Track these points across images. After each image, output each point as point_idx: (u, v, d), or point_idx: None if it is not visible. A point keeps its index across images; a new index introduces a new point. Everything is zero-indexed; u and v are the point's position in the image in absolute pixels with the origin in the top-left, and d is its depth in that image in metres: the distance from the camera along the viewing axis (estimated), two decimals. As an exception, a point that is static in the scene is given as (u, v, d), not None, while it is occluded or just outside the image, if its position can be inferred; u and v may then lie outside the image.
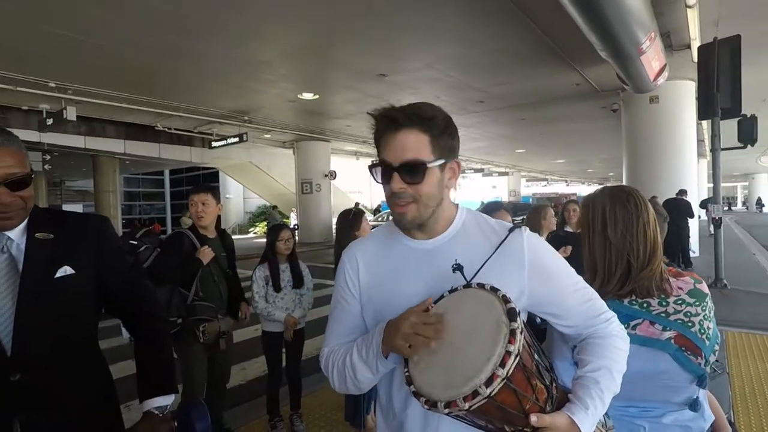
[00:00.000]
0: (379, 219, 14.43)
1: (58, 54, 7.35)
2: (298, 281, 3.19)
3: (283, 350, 3.19)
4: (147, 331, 1.33)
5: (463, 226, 1.08)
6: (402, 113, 0.98)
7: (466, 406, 0.78)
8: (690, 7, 5.66)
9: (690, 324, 1.19)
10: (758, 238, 15.03)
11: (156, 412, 1.21)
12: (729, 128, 4.97)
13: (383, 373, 1.01)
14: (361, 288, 1.09)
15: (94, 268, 1.25)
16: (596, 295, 1.09)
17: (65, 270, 1.19)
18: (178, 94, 10.21)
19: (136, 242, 2.50)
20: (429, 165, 0.98)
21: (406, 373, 0.90)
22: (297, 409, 3.18)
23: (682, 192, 8.60)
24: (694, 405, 1.25)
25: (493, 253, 1.01)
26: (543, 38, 7.11)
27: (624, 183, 10.62)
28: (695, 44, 6.38)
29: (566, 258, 1.12)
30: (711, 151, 4.91)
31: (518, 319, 0.84)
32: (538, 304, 1.01)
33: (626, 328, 1.15)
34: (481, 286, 0.93)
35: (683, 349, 1.17)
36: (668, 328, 1.18)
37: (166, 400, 1.24)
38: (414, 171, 0.98)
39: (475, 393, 0.78)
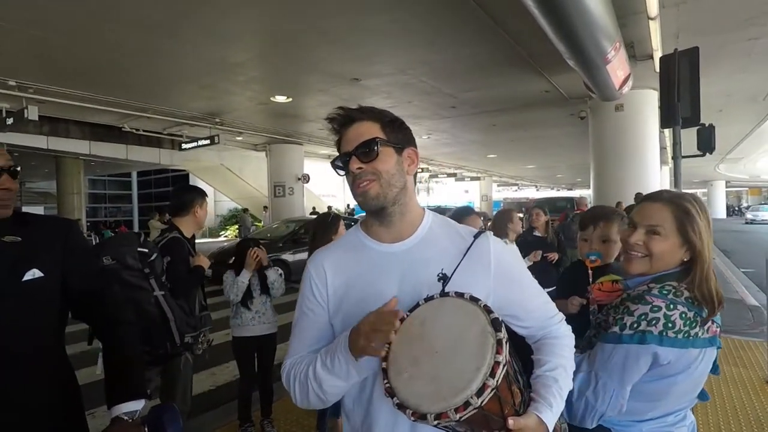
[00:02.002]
0: (352, 223, 14.47)
1: (18, 51, 7.04)
2: (265, 289, 3.15)
3: (255, 355, 3.15)
4: (115, 335, 1.30)
5: (430, 230, 1.10)
6: (354, 110, 1.08)
7: (457, 417, 0.78)
8: (652, 18, 5.91)
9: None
10: (716, 242, 15.70)
11: (125, 417, 1.18)
12: (689, 136, 5.19)
13: (357, 380, 0.99)
14: (330, 296, 1.07)
15: (60, 271, 1.22)
16: (548, 297, 1.14)
17: (33, 273, 1.17)
18: (146, 94, 9.93)
19: (147, 250, 2.31)
20: (381, 142, 1.03)
21: (387, 385, 0.88)
22: (268, 415, 3.14)
23: (639, 196, 8.80)
24: (701, 394, 1.30)
25: (463, 257, 1.04)
26: (513, 46, 7.27)
27: (591, 189, 10.95)
28: (657, 55, 6.65)
29: (535, 263, 1.16)
30: (672, 158, 5.10)
31: (502, 328, 0.86)
32: (501, 306, 1.02)
33: (704, 333, 1.18)
34: (460, 295, 0.94)
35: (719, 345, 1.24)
36: (717, 325, 1.23)
37: (136, 405, 1.21)
38: (368, 149, 1.03)
39: (467, 404, 0.79)
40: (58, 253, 1.24)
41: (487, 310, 0.89)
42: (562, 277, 2.28)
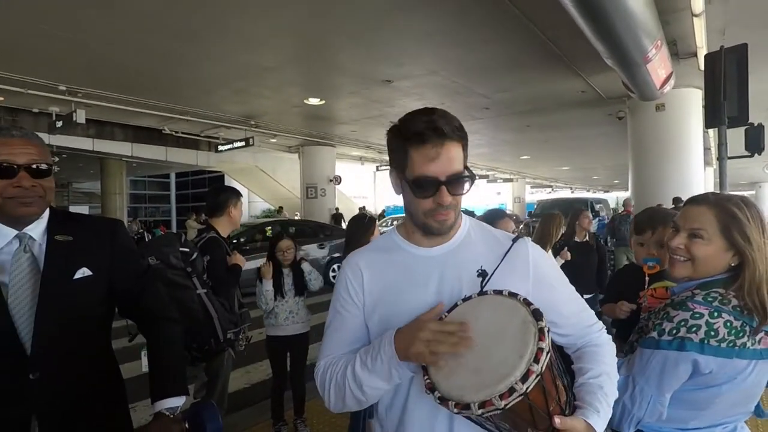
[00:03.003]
0: (383, 224, 14.46)
1: (68, 58, 7.44)
2: (299, 290, 3.20)
3: (288, 354, 3.20)
4: (159, 332, 1.35)
5: (468, 234, 1.10)
6: (447, 125, 0.97)
7: (502, 404, 0.78)
8: (696, 15, 5.67)
9: None
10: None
11: (167, 413, 1.23)
12: (736, 136, 4.96)
13: (398, 381, 0.98)
14: (366, 297, 1.07)
15: (108, 270, 1.28)
16: (586, 305, 1.12)
17: (83, 272, 1.22)
18: (184, 98, 10.29)
19: (188, 250, 2.40)
20: (469, 180, 1.01)
21: (427, 380, 0.89)
22: (301, 414, 3.19)
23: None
24: (759, 410, 1.26)
25: (501, 261, 1.03)
26: (547, 44, 7.12)
27: (629, 191, 10.59)
28: (701, 52, 6.37)
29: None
30: (717, 159, 4.89)
31: (543, 318, 0.86)
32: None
33: (754, 344, 1.13)
34: (498, 292, 0.95)
35: None
36: None
37: (178, 401, 1.25)
38: (460, 184, 1.00)
39: (512, 390, 0.79)
40: (106, 252, 1.29)
41: (527, 302, 0.90)
42: (613, 279, 2.22)
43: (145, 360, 1.33)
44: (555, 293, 1.07)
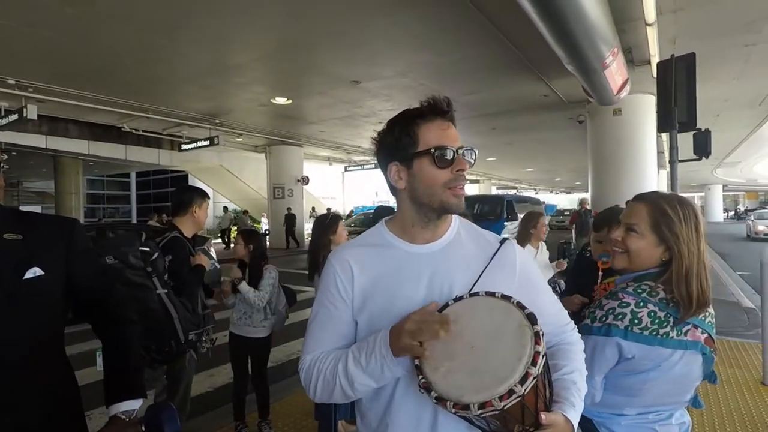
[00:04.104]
0: (352, 225, 14.45)
1: (19, 50, 7.06)
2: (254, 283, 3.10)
3: (249, 357, 3.14)
4: (116, 333, 1.31)
5: (458, 233, 1.12)
6: (449, 105, 1.09)
7: (501, 405, 0.81)
8: (649, 25, 5.96)
9: (713, 326, 1.28)
10: (712, 245, 15.78)
11: (122, 416, 1.19)
12: (686, 141, 5.23)
13: (388, 380, 0.99)
14: (355, 293, 1.06)
15: (63, 269, 1.23)
16: (563, 306, 1.18)
17: (35, 271, 1.16)
18: (146, 94, 9.94)
19: (148, 249, 2.33)
20: (472, 148, 1.08)
21: (422, 380, 0.89)
22: (266, 417, 3.14)
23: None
24: (695, 401, 1.34)
25: (490, 261, 1.07)
26: (512, 50, 7.31)
27: (589, 192, 10.99)
28: (654, 60, 6.70)
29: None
30: (669, 162, 5.14)
31: (538, 322, 0.89)
32: None
33: (679, 334, 1.21)
34: (491, 294, 0.97)
35: (711, 350, 1.25)
36: (704, 331, 1.25)
37: (134, 404, 1.21)
38: (469, 155, 1.07)
39: (511, 392, 0.81)
40: (61, 252, 1.24)
41: (521, 306, 0.93)
42: (572, 274, 2.31)
43: (100, 361, 1.28)
44: (538, 294, 1.11)
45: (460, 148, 1.04)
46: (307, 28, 6.52)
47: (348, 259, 1.09)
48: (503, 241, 1.12)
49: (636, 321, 1.21)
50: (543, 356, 0.85)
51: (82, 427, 1.30)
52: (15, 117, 8.83)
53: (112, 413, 1.19)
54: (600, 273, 1.88)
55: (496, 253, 1.08)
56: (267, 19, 6.22)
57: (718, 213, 41.46)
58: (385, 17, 6.17)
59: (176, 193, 2.78)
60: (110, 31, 6.47)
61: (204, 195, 2.76)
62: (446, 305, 0.98)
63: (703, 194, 42.00)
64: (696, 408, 1.35)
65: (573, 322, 1.17)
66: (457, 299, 0.98)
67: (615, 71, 6.61)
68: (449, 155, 1.02)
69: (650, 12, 5.58)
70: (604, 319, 1.25)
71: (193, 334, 2.45)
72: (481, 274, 1.04)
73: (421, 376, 0.90)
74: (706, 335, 1.24)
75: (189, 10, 5.90)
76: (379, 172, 1.16)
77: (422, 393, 0.89)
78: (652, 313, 1.21)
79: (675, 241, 1.26)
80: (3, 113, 9.35)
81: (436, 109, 1.06)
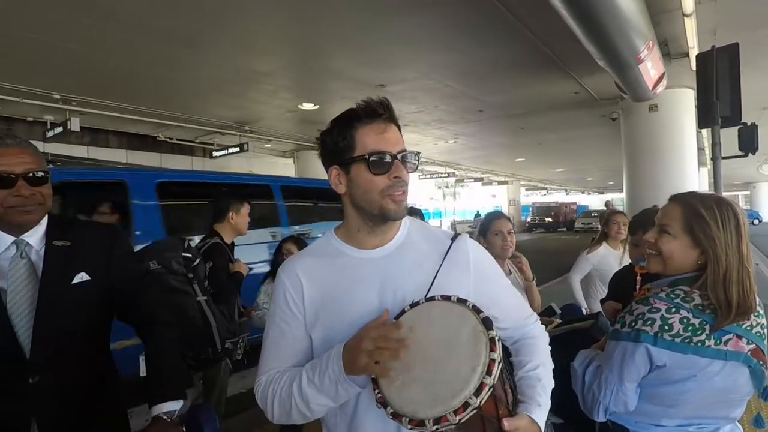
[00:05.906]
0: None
1: (61, 65, 7.40)
2: None
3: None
4: (157, 337, 1.35)
5: (408, 234, 1.09)
6: (387, 107, 1.03)
7: (457, 419, 0.77)
8: (687, 15, 5.73)
9: (763, 336, 1.20)
10: (759, 247, 15.02)
11: (164, 416, 1.22)
12: (729, 136, 4.99)
13: (345, 398, 0.94)
14: (306, 307, 1.03)
15: (106, 275, 1.29)
16: (523, 298, 1.17)
17: (81, 276, 1.24)
18: (177, 104, 10.28)
19: (190, 255, 2.35)
20: (414, 152, 1.04)
21: (378, 395, 0.85)
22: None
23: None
24: (758, 420, 1.28)
25: (443, 261, 1.04)
26: (540, 47, 7.17)
27: (624, 192, 10.65)
28: (693, 52, 6.44)
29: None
30: (711, 159, 4.91)
31: (493, 327, 0.85)
32: (482, 307, 0.98)
33: (717, 343, 1.14)
34: (447, 298, 0.93)
35: (761, 363, 1.18)
36: (750, 342, 1.17)
37: (175, 405, 1.25)
38: (413, 161, 1.03)
39: (466, 405, 0.77)
40: (105, 257, 1.30)
41: (476, 310, 0.89)
42: (614, 280, 2.25)
43: (143, 364, 1.33)
44: (495, 287, 1.09)
45: (400, 152, 0.99)
46: (325, 32, 6.57)
47: (297, 271, 1.05)
48: (455, 237, 1.09)
49: (666, 327, 1.15)
50: (499, 363, 0.81)
51: (126, 422, 1.35)
52: (60, 129, 9.24)
53: (155, 414, 1.24)
54: (638, 278, 1.82)
55: (448, 250, 1.05)
56: (285, 25, 6.31)
57: (765, 212, 39.52)
58: (406, 18, 6.15)
59: (215, 199, 2.85)
60: (144, 45, 6.70)
61: (239, 201, 2.80)
62: (402, 312, 0.94)
63: (748, 192, 40.14)
64: (757, 428, 1.26)
65: (535, 314, 1.16)
66: (414, 305, 0.94)
67: (650, 65, 6.39)
68: (386, 160, 0.98)
69: (688, 2, 5.37)
70: (633, 324, 1.21)
71: (229, 342, 2.47)
72: (436, 274, 1.01)
73: (377, 391, 0.86)
74: (753, 346, 1.16)
75: (214, 22, 6.03)
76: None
77: (379, 408, 0.85)
78: (685, 320, 1.15)
79: (710, 244, 1.19)
80: (49, 126, 9.82)
81: (372, 111, 1.01)
